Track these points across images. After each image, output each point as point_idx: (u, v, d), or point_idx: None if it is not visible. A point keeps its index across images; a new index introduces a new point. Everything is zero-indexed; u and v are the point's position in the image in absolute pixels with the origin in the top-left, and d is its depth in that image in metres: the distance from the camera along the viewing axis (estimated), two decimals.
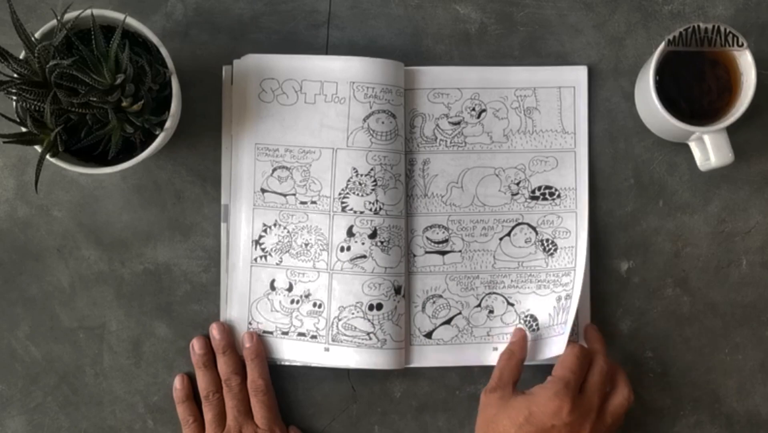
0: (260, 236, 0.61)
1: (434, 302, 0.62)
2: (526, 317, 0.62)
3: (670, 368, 0.62)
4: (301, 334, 0.61)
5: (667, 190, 0.62)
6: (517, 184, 0.62)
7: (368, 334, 0.60)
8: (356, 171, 0.60)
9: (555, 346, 0.60)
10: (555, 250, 0.62)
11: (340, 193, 0.60)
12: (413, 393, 0.62)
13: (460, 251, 0.62)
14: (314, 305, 0.60)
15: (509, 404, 0.55)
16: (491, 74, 0.62)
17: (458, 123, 0.62)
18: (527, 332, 0.61)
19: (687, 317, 0.62)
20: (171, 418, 0.62)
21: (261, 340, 0.61)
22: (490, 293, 0.62)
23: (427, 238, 0.62)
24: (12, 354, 0.62)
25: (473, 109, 0.62)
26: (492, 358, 0.61)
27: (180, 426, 0.61)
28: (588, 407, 0.54)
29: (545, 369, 0.62)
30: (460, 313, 0.62)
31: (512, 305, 0.62)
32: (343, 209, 0.60)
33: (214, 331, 0.61)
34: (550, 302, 0.61)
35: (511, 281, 0.62)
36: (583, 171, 0.62)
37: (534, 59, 0.62)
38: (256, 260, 0.61)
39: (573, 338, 0.61)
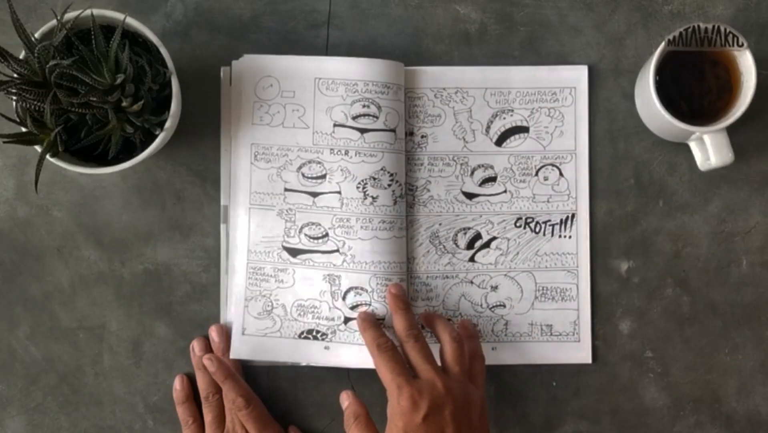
0: (257, 238, 0.61)
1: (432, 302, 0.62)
2: (527, 317, 0.62)
3: (670, 368, 0.62)
4: (301, 334, 0.61)
5: (667, 190, 0.62)
6: (517, 184, 0.62)
7: None
8: (356, 172, 0.60)
9: (572, 352, 0.61)
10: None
11: (339, 193, 0.60)
12: None
13: (458, 246, 0.62)
14: (314, 305, 0.60)
15: None
16: (491, 74, 0.62)
17: (459, 123, 0.62)
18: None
19: (687, 317, 0.62)
20: (171, 418, 0.62)
21: (224, 361, 0.59)
22: (490, 293, 0.62)
23: (429, 240, 0.62)
24: (12, 354, 0.62)
25: (473, 111, 0.62)
26: (492, 357, 0.61)
27: (180, 427, 0.61)
28: (431, 380, 0.52)
29: (547, 370, 0.62)
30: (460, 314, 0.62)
31: (512, 306, 0.62)
32: (342, 207, 0.60)
33: (213, 333, 0.61)
34: (553, 303, 0.61)
35: (513, 281, 0.62)
36: (583, 170, 0.62)
37: (534, 59, 0.62)
38: (252, 261, 0.61)
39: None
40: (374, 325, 0.57)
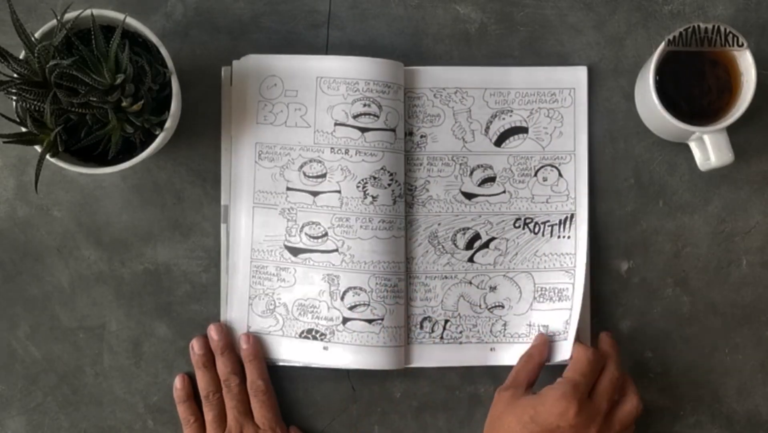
0: (260, 236, 0.61)
1: (433, 300, 0.62)
2: (526, 317, 0.62)
3: (670, 368, 0.62)
4: (300, 334, 0.61)
5: (667, 190, 0.62)
6: (516, 184, 0.62)
7: (368, 334, 0.60)
8: (356, 171, 0.60)
9: (560, 350, 0.60)
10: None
11: (339, 193, 0.60)
12: (413, 393, 0.62)
13: (457, 246, 0.62)
14: (313, 304, 0.60)
15: (517, 403, 0.55)
16: (491, 74, 0.62)
17: (458, 123, 0.62)
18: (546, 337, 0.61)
19: (687, 317, 0.62)
20: (171, 418, 0.62)
21: (258, 340, 0.61)
22: (489, 294, 0.62)
23: (428, 240, 0.62)
24: (12, 354, 0.62)
25: (473, 111, 0.62)
26: (491, 358, 0.61)
27: (180, 426, 0.61)
28: (595, 412, 0.54)
29: (546, 370, 0.62)
30: (459, 315, 0.62)
31: (511, 306, 0.62)
32: (343, 207, 0.60)
33: (213, 332, 0.61)
34: (551, 303, 0.61)
35: (512, 281, 0.62)
36: (583, 171, 0.62)
37: (534, 59, 0.62)
38: (255, 260, 0.61)
39: (581, 340, 0.61)
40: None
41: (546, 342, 0.60)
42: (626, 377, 0.58)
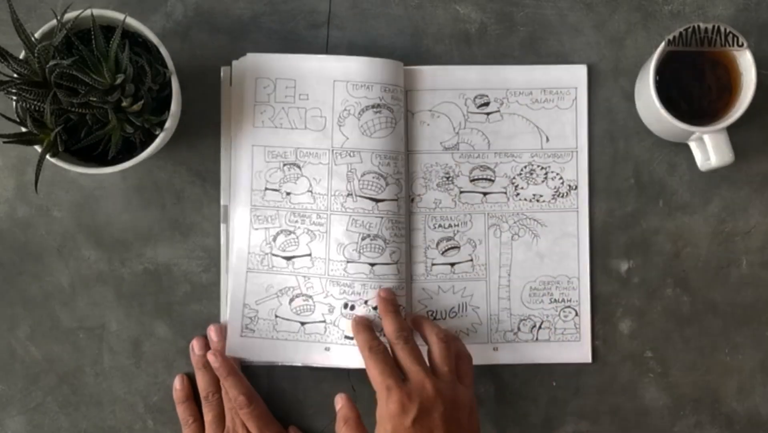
0: (255, 237, 0.61)
1: (433, 299, 0.62)
2: (528, 317, 0.62)
3: (670, 368, 0.62)
4: (299, 335, 0.61)
5: (667, 190, 0.62)
6: (517, 184, 0.62)
7: None
8: (355, 171, 0.60)
9: (571, 352, 0.61)
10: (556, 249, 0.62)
11: (338, 194, 0.60)
12: None
13: (459, 247, 0.62)
14: (314, 305, 0.60)
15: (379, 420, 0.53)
16: (491, 74, 0.62)
17: (458, 123, 0.62)
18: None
19: (687, 317, 0.62)
20: (171, 418, 0.62)
21: (226, 357, 0.60)
22: (490, 294, 0.62)
23: (428, 241, 0.62)
24: (12, 354, 0.62)
25: (473, 110, 0.62)
26: (493, 358, 0.61)
27: (180, 426, 0.61)
28: (419, 385, 0.52)
29: (547, 370, 0.62)
30: (459, 313, 0.62)
31: (513, 306, 0.62)
32: (342, 209, 0.60)
33: (212, 333, 0.60)
34: (554, 303, 0.62)
35: (513, 281, 0.62)
36: (583, 171, 0.62)
37: (534, 59, 0.62)
38: (249, 261, 0.61)
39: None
40: (367, 328, 0.57)
41: (350, 399, 0.58)
42: (419, 321, 0.58)
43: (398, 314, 0.58)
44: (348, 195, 0.60)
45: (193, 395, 0.62)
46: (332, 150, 0.60)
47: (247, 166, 0.61)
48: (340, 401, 0.59)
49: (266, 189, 0.61)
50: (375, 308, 0.59)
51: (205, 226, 0.62)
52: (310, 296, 0.60)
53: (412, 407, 0.52)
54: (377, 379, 0.54)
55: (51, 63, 0.48)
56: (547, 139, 0.62)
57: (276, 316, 0.61)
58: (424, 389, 0.52)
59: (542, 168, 0.62)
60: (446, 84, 0.62)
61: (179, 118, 0.58)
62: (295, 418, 0.62)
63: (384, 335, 0.57)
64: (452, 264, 0.62)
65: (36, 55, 0.48)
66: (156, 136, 0.54)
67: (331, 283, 0.60)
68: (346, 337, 0.60)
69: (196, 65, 0.61)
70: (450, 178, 0.62)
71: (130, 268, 0.62)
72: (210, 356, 0.59)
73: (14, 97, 0.50)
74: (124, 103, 0.51)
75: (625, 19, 0.62)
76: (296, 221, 0.60)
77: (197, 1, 0.62)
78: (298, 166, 0.60)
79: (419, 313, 0.61)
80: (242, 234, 0.61)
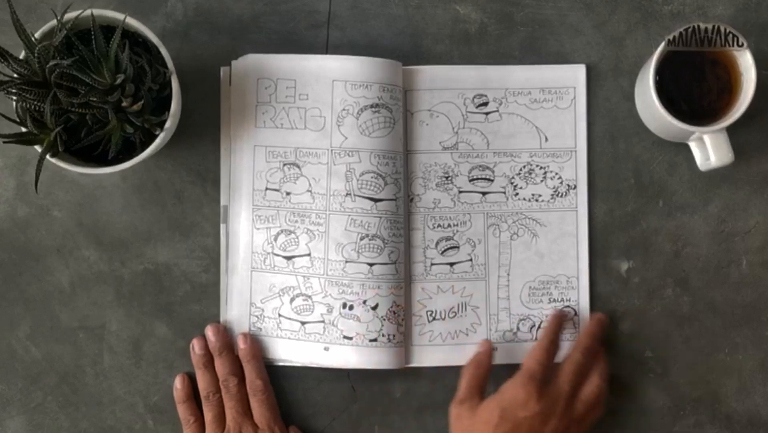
0: (258, 237, 0.61)
1: (434, 300, 0.62)
2: (527, 317, 0.62)
3: (670, 368, 0.62)
4: (300, 334, 0.61)
5: (667, 190, 0.62)
6: (516, 184, 0.62)
7: (367, 334, 0.60)
8: (354, 171, 0.60)
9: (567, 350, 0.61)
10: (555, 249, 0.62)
11: (337, 193, 0.60)
12: (413, 393, 0.62)
13: (458, 247, 0.62)
14: (313, 305, 0.60)
15: (480, 410, 0.56)
16: (491, 74, 0.62)
17: (457, 123, 0.62)
18: (493, 343, 0.61)
19: (687, 317, 0.62)
20: (171, 418, 0.62)
21: (255, 340, 0.61)
22: (490, 294, 0.62)
23: (428, 241, 0.62)
24: (12, 354, 0.62)
25: (472, 110, 0.62)
26: (493, 357, 0.61)
27: (180, 426, 0.61)
28: (556, 395, 0.55)
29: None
30: (460, 313, 0.62)
31: (512, 306, 0.62)
32: (341, 209, 0.60)
33: (209, 333, 0.61)
34: (553, 303, 0.62)
35: (513, 281, 0.62)
36: (582, 171, 0.62)
37: (534, 59, 0.62)
38: (254, 261, 0.61)
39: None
40: (560, 326, 0.60)
41: (491, 347, 0.60)
42: (597, 359, 0.58)
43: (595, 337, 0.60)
44: (347, 195, 0.60)
45: (193, 394, 0.62)
46: (331, 150, 0.60)
47: (248, 166, 0.61)
48: (484, 345, 0.60)
49: (267, 189, 0.61)
50: (374, 308, 0.59)
51: (205, 226, 0.62)
52: (310, 296, 0.60)
53: (534, 407, 0.54)
54: (531, 361, 0.56)
55: (51, 63, 0.48)
56: (546, 139, 0.62)
57: (279, 315, 0.61)
58: (556, 402, 0.55)
59: (541, 168, 0.62)
60: (445, 84, 0.62)
61: (179, 118, 0.58)
62: (295, 418, 0.62)
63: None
64: (451, 264, 0.62)
65: (36, 55, 0.48)
66: (156, 136, 0.54)
67: (329, 283, 0.60)
68: (345, 337, 0.60)
69: (196, 65, 0.61)
70: (449, 178, 0.62)
71: (130, 268, 0.62)
72: (240, 336, 0.60)
73: (14, 97, 0.50)
74: (124, 103, 0.51)
75: (625, 19, 0.62)
76: (296, 221, 0.60)
77: (197, 1, 0.62)
78: (298, 166, 0.61)
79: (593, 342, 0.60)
80: (246, 233, 0.61)
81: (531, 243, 0.62)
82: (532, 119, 0.62)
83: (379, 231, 0.60)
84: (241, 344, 0.60)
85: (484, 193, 0.62)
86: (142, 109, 0.52)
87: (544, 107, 0.62)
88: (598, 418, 0.58)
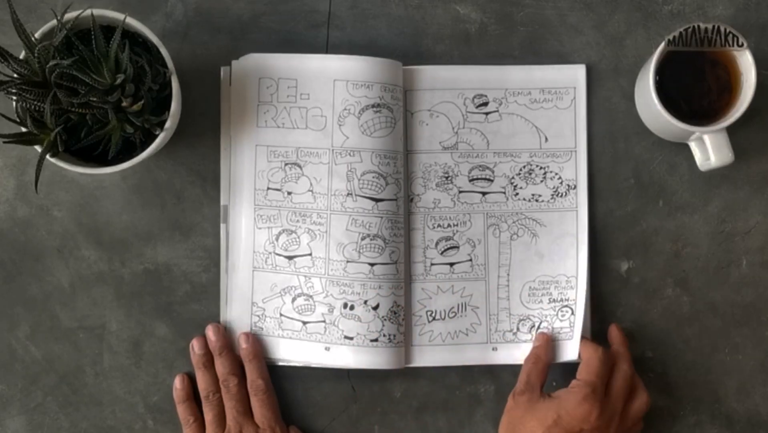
0: (260, 236, 0.61)
1: (434, 300, 0.62)
2: (527, 317, 0.62)
3: (670, 368, 0.62)
4: (301, 334, 0.61)
5: (667, 190, 0.62)
6: (516, 184, 0.62)
7: (368, 334, 0.60)
8: (355, 171, 0.60)
9: (566, 350, 0.61)
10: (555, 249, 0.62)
11: (338, 193, 0.60)
12: (413, 393, 0.62)
13: (458, 247, 0.62)
14: (314, 305, 0.60)
15: (537, 407, 0.56)
16: (491, 73, 0.62)
17: (457, 123, 0.62)
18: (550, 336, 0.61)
19: (687, 317, 0.62)
20: (171, 418, 0.62)
21: (257, 340, 0.61)
22: (490, 294, 0.62)
23: (428, 241, 0.62)
24: (12, 354, 0.62)
25: (472, 110, 0.62)
26: (492, 358, 0.61)
27: (180, 426, 0.61)
28: (612, 411, 0.56)
29: (550, 371, 0.62)
30: (460, 314, 0.62)
31: (512, 306, 0.62)
32: (342, 209, 0.60)
33: (210, 332, 0.61)
34: (553, 303, 0.62)
35: (513, 281, 0.62)
36: (582, 171, 0.62)
37: (534, 59, 0.62)
38: (255, 260, 0.61)
39: (585, 337, 0.61)
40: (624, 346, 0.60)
41: (549, 341, 0.61)
42: (634, 372, 0.59)
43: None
44: (348, 195, 0.60)
45: (193, 394, 0.62)
46: (332, 150, 0.60)
47: (250, 166, 0.61)
48: (540, 339, 0.60)
49: (268, 189, 0.61)
50: (375, 308, 0.59)
51: (205, 226, 0.62)
52: (311, 296, 0.60)
53: (594, 422, 0.54)
54: (591, 375, 0.56)
55: (51, 63, 0.48)
56: (546, 139, 0.62)
57: (281, 315, 0.61)
58: (612, 418, 0.55)
59: (541, 168, 0.62)
60: (445, 84, 0.62)
61: (179, 118, 0.58)
62: (295, 418, 0.62)
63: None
64: (451, 264, 0.62)
65: (36, 55, 0.48)
66: (156, 136, 0.54)
67: (330, 283, 0.60)
68: (346, 337, 0.60)
69: (196, 65, 0.61)
70: (449, 178, 0.62)
71: (130, 268, 0.62)
72: (242, 336, 0.60)
73: (14, 97, 0.50)
74: (124, 103, 0.51)
75: (625, 19, 0.62)
76: (297, 221, 0.60)
77: (197, 1, 0.62)
78: (299, 166, 0.61)
79: (619, 348, 0.61)
80: (248, 233, 0.61)
81: (531, 243, 0.62)
82: (532, 119, 0.62)
83: (380, 231, 0.60)
84: (243, 344, 0.60)
85: (484, 194, 0.62)
86: (142, 109, 0.52)
87: (544, 107, 0.62)
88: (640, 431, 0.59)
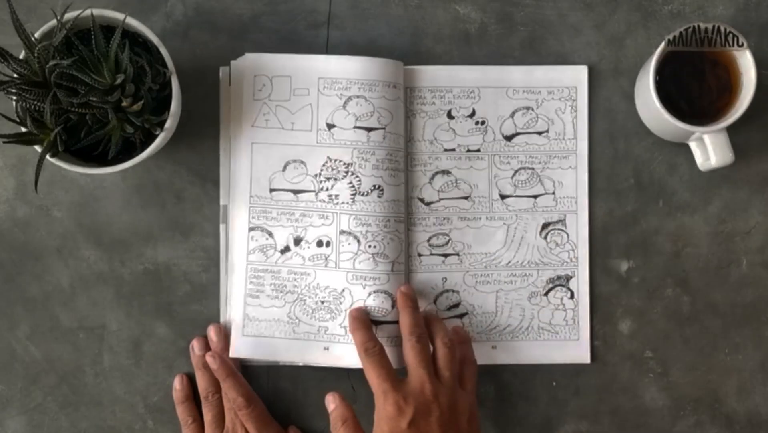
0: (259, 236, 0.61)
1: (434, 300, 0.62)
2: (526, 317, 0.62)
3: (670, 368, 0.62)
4: (300, 334, 0.61)
5: (667, 190, 0.62)
6: (516, 184, 0.62)
7: None
8: (355, 171, 0.60)
9: (570, 351, 0.61)
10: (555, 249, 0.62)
11: (339, 193, 0.60)
12: None
13: (458, 254, 0.62)
14: (313, 304, 0.60)
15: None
16: (491, 74, 0.62)
17: (458, 122, 0.62)
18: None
19: (687, 317, 0.62)
20: (171, 418, 0.62)
21: (225, 359, 0.59)
22: (489, 293, 0.62)
23: (428, 240, 0.62)
24: (12, 354, 0.62)
25: (473, 111, 0.62)
26: (490, 356, 0.61)
27: (180, 426, 0.61)
28: (417, 389, 0.54)
29: (547, 370, 0.62)
30: (466, 313, 0.62)
31: (512, 306, 0.62)
32: (342, 208, 0.60)
33: (212, 333, 0.60)
34: (553, 303, 0.62)
35: (512, 281, 0.62)
36: (583, 171, 0.62)
37: (534, 59, 0.62)
38: (254, 260, 0.61)
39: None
40: (363, 325, 0.57)
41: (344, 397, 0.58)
42: (430, 320, 0.58)
43: (416, 310, 0.58)
44: (348, 194, 0.60)
45: (192, 395, 0.62)
46: (333, 149, 0.60)
47: (246, 166, 0.61)
48: (332, 401, 0.57)
49: (266, 188, 0.61)
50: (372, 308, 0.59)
51: (205, 226, 0.62)
52: (310, 296, 0.60)
53: (408, 409, 0.52)
54: (374, 381, 0.54)
55: (51, 63, 0.48)
56: (546, 139, 0.62)
57: (277, 316, 0.61)
58: (422, 392, 0.53)
59: (541, 168, 0.62)
60: (446, 83, 0.62)
61: (179, 118, 0.58)
62: (295, 418, 0.62)
63: (378, 331, 0.58)
64: (450, 263, 0.62)
65: (36, 55, 0.48)
66: (156, 136, 0.54)
67: (330, 282, 0.60)
68: (346, 337, 0.60)
69: (196, 65, 0.61)
70: (449, 178, 0.62)
71: (130, 268, 0.62)
72: (209, 358, 0.59)
73: (14, 97, 0.50)
74: (124, 103, 0.51)
75: (625, 19, 0.62)
76: (296, 220, 0.60)
77: (197, 1, 0.62)
78: (299, 166, 0.60)
79: (432, 312, 0.61)
80: (242, 233, 0.61)
81: (531, 243, 0.62)
82: (533, 119, 0.62)
83: (381, 229, 0.60)
84: (213, 366, 0.59)
85: (484, 194, 0.62)
86: (142, 109, 0.52)
87: (545, 108, 0.62)
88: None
